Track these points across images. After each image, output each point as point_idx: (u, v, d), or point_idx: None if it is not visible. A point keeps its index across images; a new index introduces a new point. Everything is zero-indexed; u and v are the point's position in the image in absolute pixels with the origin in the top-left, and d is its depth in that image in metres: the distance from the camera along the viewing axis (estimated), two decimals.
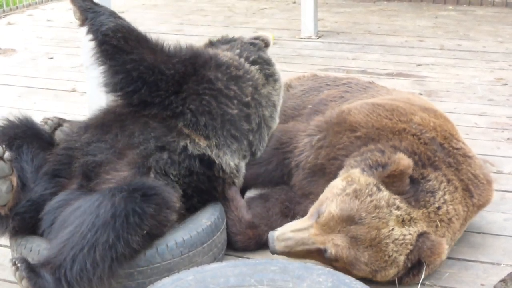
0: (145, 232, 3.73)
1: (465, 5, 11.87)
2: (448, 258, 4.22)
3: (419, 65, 8.55)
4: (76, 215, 3.70)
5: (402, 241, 3.79)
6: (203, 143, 4.24)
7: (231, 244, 4.41)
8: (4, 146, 3.95)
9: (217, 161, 4.29)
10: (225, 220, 4.33)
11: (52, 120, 4.82)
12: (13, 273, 3.50)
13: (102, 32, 4.21)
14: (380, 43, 9.62)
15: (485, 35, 9.95)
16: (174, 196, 3.98)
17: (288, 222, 4.42)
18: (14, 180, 3.97)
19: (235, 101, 4.44)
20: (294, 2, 12.10)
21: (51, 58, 9.14)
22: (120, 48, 4.22)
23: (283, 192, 4.56)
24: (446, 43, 9.54)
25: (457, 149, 4.28)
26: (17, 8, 12.17)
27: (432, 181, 4.04)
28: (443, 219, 3.98)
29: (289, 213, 4.45)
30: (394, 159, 3.95)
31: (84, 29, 4.32)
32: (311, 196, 4.40)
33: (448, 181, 4.08)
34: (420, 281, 3.92)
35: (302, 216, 4.35)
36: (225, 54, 4.67)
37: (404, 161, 3.90)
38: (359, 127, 4.36)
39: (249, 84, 4.59)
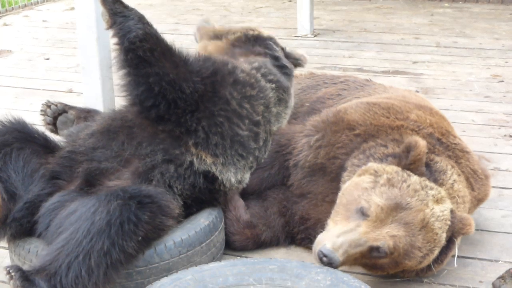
0: (140, 238, 3.73)
1: (460, 2, 11.88)
2: None
3: (415, 62, 8.56)
4: (71, 221, 3.69)
5: (442, 217, 3.78)
6: (209, 160, 4.22)
7: (229, 244, 4.41)
8: None
9: (219, 178, 4.28)
10: (223, 219, 4.33)
11: (56, 105, 4.76)
12: (8, 281, 3.49)
13: (129, 40, 4.08)
14: (376, 41, 9.62)
15: (481, 32, 9.95)
16: (171, 203, 3.97)
17: (284, 221, 4.44)
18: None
19: (246, 121, 4.40)
20: (290, 1, 12.09)
21: (47, 59, 9.13)
22: (146, 59, 4.11)
23: (281, 192, 4.55)
24: (442, 40, 9.54)
25: (455, 144, 4.30)
26: (12, 9, 12.14)
27: (439, 163, 4.06)
28: (459, 195, 4.01)
29: (287, 213, 4.44)
30: (412, 142, 3.93)
31: (110, 31, 4.21)
32: (309, 195, 4.39)
33: (452, 166, 4.10)
34: (455, 259, 3.98)
35: (300, 215, 4.37)
36: (243, 69, 4.58)
37: (421, 141, 3.90)
38: (357, 125, 4.37)
39: (261, 103, 4.55)
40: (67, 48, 9.53)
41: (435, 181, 3.94)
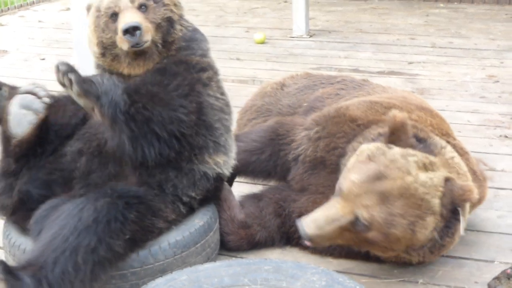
0: (127, 237, 3.71)
1: (456, 3, 11.88)
2: (441, 256, 4.22)
3: (410, 63, 8.56)
4: (60, 218, 3.67)
5: (430, 183, 3.71)
6: (221, 160, 4.19)
7: (224, 244, 4.39)
8: (48, 93, 4.06)
9: (228, 173, 4.29)
10: (218, 220, 4.31)
11: None
12: None
13: (122, 112, 3.72)
14: (371, 41, 9.62)
15: (477, 32, 9.96)
16: (164, 206, 3.94)
17: (280, 222, 4.43)
18: (41, 118, 4.00)
19: (225, 108, 4.29)
20: (286, 1, 12.08)
21: (43, 59, 9.12)
22: (145, 117, 3.79)
23: (277, 192, 4.54)
24: (437, 41, 9.55)
25: (454, 144, 4.29)
26: (8, 9, 12.15)
27: (438, 140, 4.04)
28: (460, 168, 3.97)
29: (283, 213, 4.43)
30: (389, 116, 3.90)
31: (97, 112, 3.75)
32: (310, 186, 4.39)
33: (452, 146, 4.10)
34: (462, 229, 3.83)
35: (299, 212, 4.35)
36: (201, 67, 4.24)
37: (398, 113, 3.86)
38: (359, 119, 4.38)
39: (220, 80, 4.37)
40: (63, 49, 9.52)
41: (431, 152, 3.89)
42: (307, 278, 3.49)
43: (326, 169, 4.35)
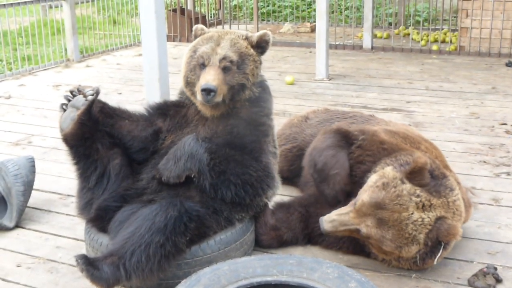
0: (188, 238, 3.74)
1: (446, 55, 11.81)
2: None
3: (408, 102, 8.51)
4: (138, 220, 3.71)
5: (420, 223, 3.75)
6: (270, 194, 4.25)
7: (258, 242, 4.39)
8: (96, 90, 3.97)
9: (272, 201, 4.42)
10: (253, 223, 4.32)
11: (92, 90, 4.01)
12: (77, 266, 3.53)
13: (206, 164, 3.83)
14: (377, 84, 9.59)
15: (462, 78, 9.88)
16: (214, 224, 3.93)
17: (304, 225, 4.41)
18: (80, 113, 3.93)
19: (275, 160, 4.35)
20: (310, 52, 12.10)
21: (120, 93, 9.21)
22: (222, 170, 3.88)
23: (302, 201, 4.53)
24: (430, 85, 9.49)
25: (452, 175, 4.25)
26: (94, 54, 12.32)
27: (451, 181, 4.01)
28: (458, 209, 3.94)
29: (306, 218, 4.41)
30: (414, 157, 3.93)
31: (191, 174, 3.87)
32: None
33: (459, 187, 4.08)
34: (436, 259, 3.87)
35: (316, 217, 4.31)
36: (268, 131, 4.28)
37: (421, 159, 3.85)
38: (386, 143, 4.35)
39: (274, 132, 4.42)
40: (135, 86, 9.61)
41: (438, 192, 3.87)
42: (323, 270, 3.48)
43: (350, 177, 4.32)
